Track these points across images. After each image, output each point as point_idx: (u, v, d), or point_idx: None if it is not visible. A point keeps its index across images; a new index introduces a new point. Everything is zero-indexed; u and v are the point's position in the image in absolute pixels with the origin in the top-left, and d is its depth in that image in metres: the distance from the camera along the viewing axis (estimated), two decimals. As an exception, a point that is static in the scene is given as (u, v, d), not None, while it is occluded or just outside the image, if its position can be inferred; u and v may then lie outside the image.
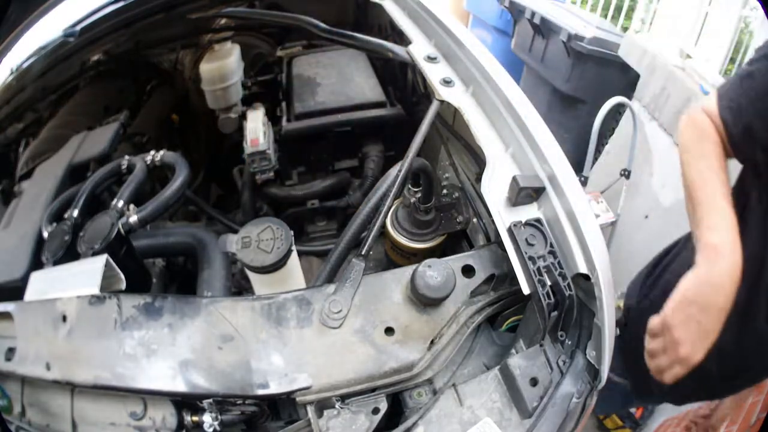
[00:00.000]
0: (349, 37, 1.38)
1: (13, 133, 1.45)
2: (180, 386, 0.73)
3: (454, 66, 1.21)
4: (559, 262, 0.82)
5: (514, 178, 0.87)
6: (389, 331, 0.81)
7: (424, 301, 0.82)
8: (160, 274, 1.32)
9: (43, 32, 1.43)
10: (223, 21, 2.04)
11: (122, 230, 1.04)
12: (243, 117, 1.62)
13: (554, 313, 0.79)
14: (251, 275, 1.00)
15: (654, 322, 0.83)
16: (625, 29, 3.01)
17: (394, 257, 1.32)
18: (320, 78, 1.76)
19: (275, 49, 2.19)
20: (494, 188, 0.90)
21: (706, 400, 1.61)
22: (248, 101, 1.79)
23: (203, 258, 1.20)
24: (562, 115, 2.96)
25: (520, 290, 0.81)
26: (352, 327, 0.81)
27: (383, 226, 1.24)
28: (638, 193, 2.33)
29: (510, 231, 0.84)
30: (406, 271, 0.87)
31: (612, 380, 0.96)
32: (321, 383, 0.75)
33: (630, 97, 2.38)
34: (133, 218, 1.07)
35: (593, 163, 2.47)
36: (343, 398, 0.76)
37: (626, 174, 2.25)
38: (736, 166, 0.94)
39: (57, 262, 1.01)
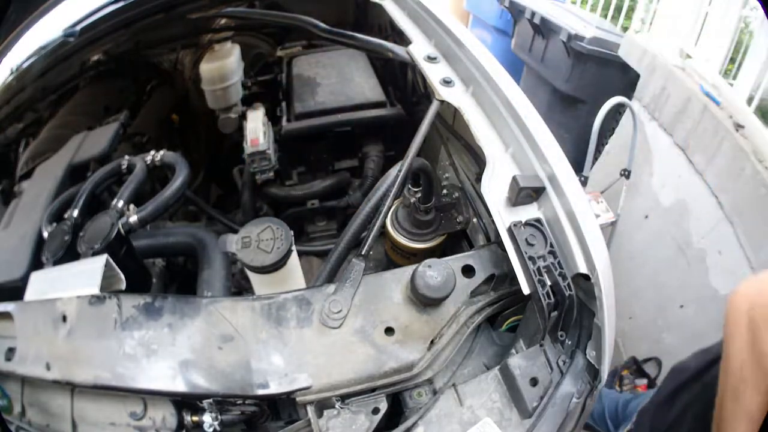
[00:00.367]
0: (349, 37, 1.38)
1: (13, 133, 1.45)
2: (180, 386, 0.73)
3: (454, 66, 1.21)
4: (559, 262, 0.82)
5: (514, 178, 0.87)
6: (389, 331, 0.81)
7: (424, 301, 0.82)
8: (160, 274, 1.32)
9: (43, 32, 1.43)
10: (223, 21, 2.04)
11: (122, 230, 1.04)
12: (243, 117, 1.63)
13: (554, 313, 0.79)
14: (251, 275, 1.00)
15: None
16: (625, 29, 3.01)
17: (394, 257, 1.32)
18: (320, 78, 1.76)
19: (275, 49, 2.19)
20: (494, 188, 0.90)
21: None
22: (248, 101, 1.80)
23: (203, 258, 1.20)
24: (562, 115, 2.96)
25: (520, 290, 0.81)
26: (352, 327, 0.81)
27: (383, 226, 1.24)
28: (638, 193, 2.33)
29: (510, 231, 0.84)
30: (406, 271, 0.87)
31: None
32: (321, 383, 0.75)
33: (630, 97, 2.38)
34: (133, 218, 1.07)
35: (593, 163, 2.47)
36: (343, 398, 0.76)
37: (626, 174, 2.25)
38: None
39: (57, 262, 1.01)
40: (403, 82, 1.77)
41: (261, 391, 0.74)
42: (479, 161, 1.21)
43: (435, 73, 1.18)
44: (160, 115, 1.86)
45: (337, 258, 1.00)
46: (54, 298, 0.84)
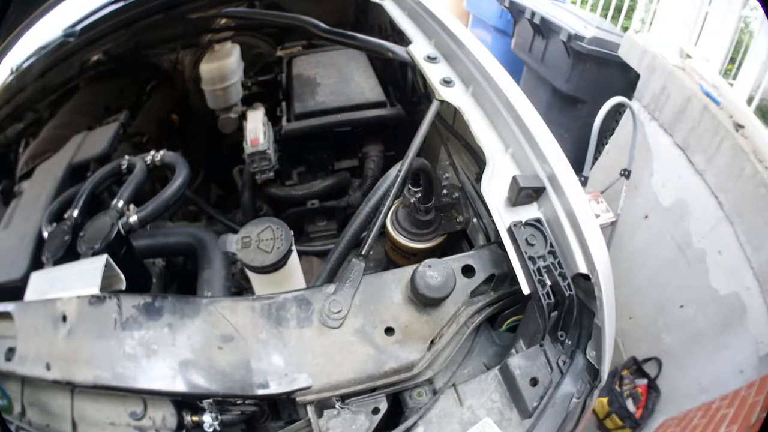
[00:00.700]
0: (349, 37, 1.39)
1: (13, 133, 1.45)
2: (180, 386, 0.73)
3: (454, 66, 1.21)
4: (559, 262, 0.82)
5: (514, 178, 0.87)
6: (389, 331, 0.81)
7: (424, 301, 0.82)
8: (160, 274, 1.32)
9: (43, 32, 1.43)
10: (223, 21, 2.04)
11: (122, 230, 1.04)
12: (243, 117, 1.62)
13: (554, 313, 0.79)
14: (251, 275, 1.00)
15: None
16: (625, 29, 3.01)
17: (394, 257, 1.32)
18: (320, 78, 1.76)
19: (275, 49, 2.19)
20: (494, 188, 0.90)
21: None
22: (248, 101, 1.80)
23: (203, 258, 1.20)
24: (562, 115, 2.96)
25: (520, 290, 0.81)
26: (352, 327, 0.81)
27: (383, 226, 1.24)
28: (638, 193, 2.33)
29: (510, 231, 0.84)
30: (406, 271, 0.87)
31: None
32: (321, 383, 0.75)
33: (630, 97, 2.38)
34: (133, 218, 1.07)
35: (593, 163, 2.47)
36: (343, 398, 0.76)
37: (626, 174, 2.25)
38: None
39: (57, 262, 1.01)
40: (403, 82, 1.77)
41: (261, 391, 0.74)
42: (479, 161, 1.21)
43: (435, 73, 1.18)
44: (160, 115, 1.86)
45: (337, 258, 1.00)
46: (54, 298, 0.84)
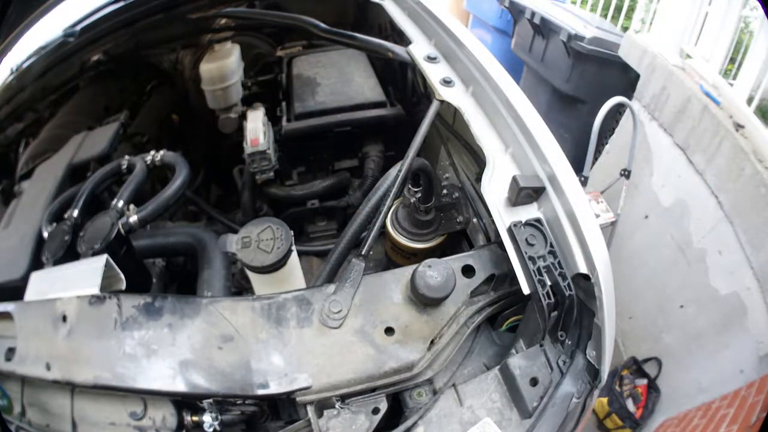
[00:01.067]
0: (349, 37, 1.39)
1: (13, 133, 1.45)
2: (180, 386, 0.73)
3: (454, 66, 1.21)
4: (559, 262, 0.82)
5: (514, 178, 0.87)
6: (389, 331, 0.81)
7: (424, 301, 0.82)
8: (160, 274, 1.32)
9: (43, 32, 1.43)
10: (223, 21, 2.04)
11: (122, 230, 1.04)
12: (243, 117, 1.62)
13: (554, 313, 0.79)
14: (251, 275, 1.00)
15: None
16: (625, 29, 3.01)
17: (394, 257, 1.32)
18: (320, 78, 1.76)
19: (275, 49, 2.19)
20: (494, 188, 0.90)
21: None
22: (248, 101, 1.79)
23: (203, 258, 1.20)
24: (562, 115, 2.96)
25: (520, 290, 0.81)
26: (352, 327, 0.81)
27: (383, 226, 1.24)
28: (638, 193, 2.33)
29: (510, 231, 0.84)
30: (406, 271, 0.87)
31: None
32: (321, 383, 0.75)
33: (630, 97, 2.38)
34: (133, 218, 1.07)
35: (593, 163, 2.47)
36: (343, 398, 0.76)
37: (626, 174, 2.25)
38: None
39: (57, 262, 1.01)
40: (403, 82, 1.77)
41: (261, 391, 0.74)
42: (479, 161, 1.21)
43: (435, 73, 1.18)
44: (160, 115, 1.86)
45: (337, 258, 1.00)
46: (54, 298, 0.84)
